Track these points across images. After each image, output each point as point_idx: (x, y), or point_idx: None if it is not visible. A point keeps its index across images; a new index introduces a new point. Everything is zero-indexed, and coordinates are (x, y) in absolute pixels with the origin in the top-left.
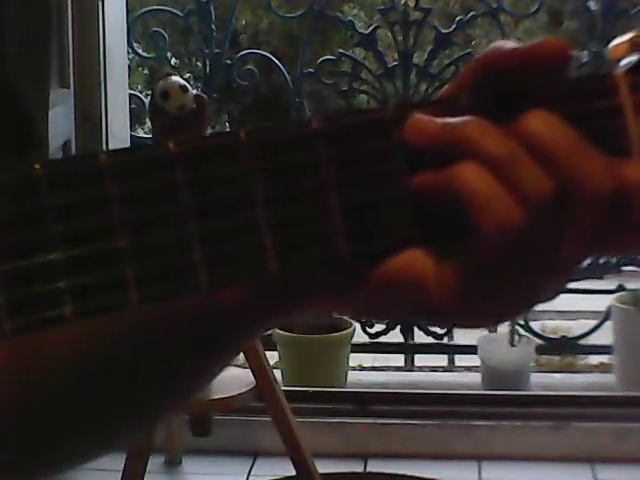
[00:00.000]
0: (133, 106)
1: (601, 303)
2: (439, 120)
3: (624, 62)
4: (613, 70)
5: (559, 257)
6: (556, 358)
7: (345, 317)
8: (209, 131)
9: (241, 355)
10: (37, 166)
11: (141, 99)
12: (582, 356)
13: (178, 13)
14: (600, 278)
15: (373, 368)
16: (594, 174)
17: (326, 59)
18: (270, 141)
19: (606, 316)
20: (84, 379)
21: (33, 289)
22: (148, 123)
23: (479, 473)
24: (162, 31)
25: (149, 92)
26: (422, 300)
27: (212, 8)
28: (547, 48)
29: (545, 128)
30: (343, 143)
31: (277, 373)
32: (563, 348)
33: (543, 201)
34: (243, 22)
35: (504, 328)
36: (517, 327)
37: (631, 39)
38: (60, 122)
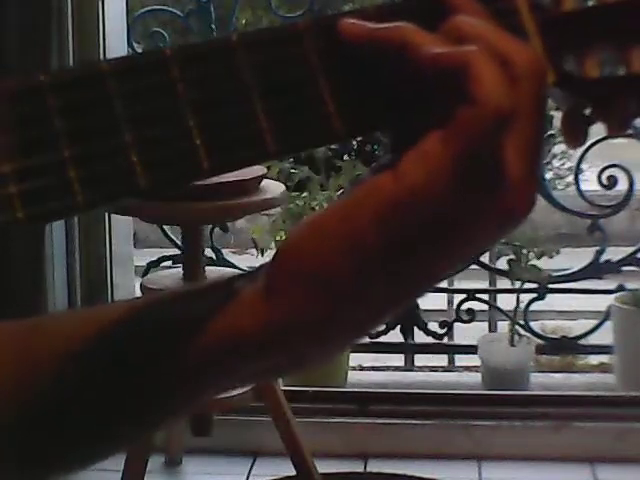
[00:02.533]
0: None
1: (601, 303)
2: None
3: None
4: None
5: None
6: (556, 358)
7: None
8: None
9: None
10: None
11: None
12: (582, 356)
13: (178, 13)
14: (600, 278)
15: (373, 368)
16: (524, 48)
17: None
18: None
19: (606, 316)
20: (88, 369)
21: (45, 180)
22: None
23: (479, 473)
24: (162, 31)
25: None
26: None
27: (212, 8)
28: None
29: (471, 19)
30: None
31: None
32: (563, 348)
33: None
34: (243, 22)
35: (504, 328)
36: (517, 327)
37: None
38: None
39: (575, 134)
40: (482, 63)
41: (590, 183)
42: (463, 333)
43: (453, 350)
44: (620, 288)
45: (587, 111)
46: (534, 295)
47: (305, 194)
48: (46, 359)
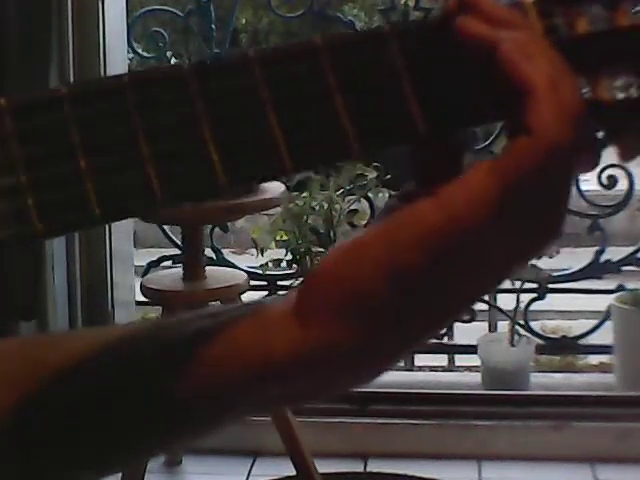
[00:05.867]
0: None
1: (601, 303)
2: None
3: None
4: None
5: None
6: (556, 358)
7: None
8: None
9: None
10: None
11: None
12: (582, 356)
13: (178, 13)
14: (600, 278)
15: None
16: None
17: None
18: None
19: (606, 316)
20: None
21: (62, 192)
22: None
23: (479, 473)
24: (162, 31)
25: None
26: None
27: (212, 8)
28: None
29: None
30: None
31: None
32: (563, 348)
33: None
34: (243, 21)
35: (504, 328)
36: (517, 327)
37: None
38: None
39: (587, 159)
40: (545, 92)
41: (590, 183)
42: (463, 333)
43: (453, 350)
44: (620, 288)
45: (600, 135)
46: (534, 295)
47: (305, 194)
48: (48, 370)
